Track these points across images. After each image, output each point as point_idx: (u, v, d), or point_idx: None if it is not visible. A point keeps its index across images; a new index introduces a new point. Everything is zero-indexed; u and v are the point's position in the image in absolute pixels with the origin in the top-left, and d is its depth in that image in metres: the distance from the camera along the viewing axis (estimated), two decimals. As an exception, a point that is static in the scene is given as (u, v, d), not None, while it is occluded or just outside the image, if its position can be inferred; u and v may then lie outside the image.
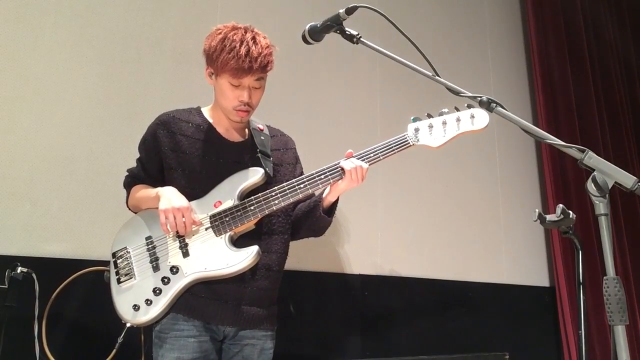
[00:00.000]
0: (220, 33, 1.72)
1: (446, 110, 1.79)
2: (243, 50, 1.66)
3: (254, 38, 1.70)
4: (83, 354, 2.15)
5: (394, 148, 1.78)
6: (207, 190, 1.75)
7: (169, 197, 1.69)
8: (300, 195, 1.74)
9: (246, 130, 1.89)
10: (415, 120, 1.80)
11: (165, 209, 1.66)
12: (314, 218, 1.85)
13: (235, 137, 1.85)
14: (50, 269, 2.10)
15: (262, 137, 1.88)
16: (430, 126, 1.78)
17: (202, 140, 1.79)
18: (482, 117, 1.74)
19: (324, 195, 1.83)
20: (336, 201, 1.85)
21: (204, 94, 1.86)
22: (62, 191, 2.24)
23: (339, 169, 1.76)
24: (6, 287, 1.94)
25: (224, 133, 1.83)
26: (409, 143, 1.78)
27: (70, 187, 2.26)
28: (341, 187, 1.79)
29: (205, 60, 1.77)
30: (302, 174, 1.94)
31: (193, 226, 1.70)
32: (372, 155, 1.77)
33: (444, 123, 1.77)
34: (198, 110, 1.87)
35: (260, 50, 1.68)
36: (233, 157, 1.80)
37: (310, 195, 1.83)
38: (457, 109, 1.77)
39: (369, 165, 1.78)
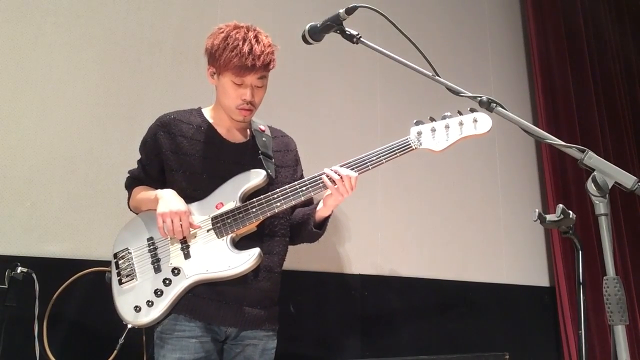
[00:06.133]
0: (222, 32, 1.72)
1: (449, 114, 1.78)
2: (246, 48, 1.66)
3: (256, 37, 1.70)
4: (84, 355, 2.15)
5: (397, 151, 1.77)
6: (209, 192, 1.75)
7: (168, 200, 1.68)
8: (302, 198, 1.73)
9: (248, 131, 1.88)
10: (417, 123, 1.79)
11: (162, 213, 1.66)
12: (306, 231, 1.85)
13: (236, 137, 1.84)
14: (50, 269, 2.10)
15: (264, 139, 1.87)
16: (433, 130, 1.77)
17: (202, 142, 1.79)
18: (485, 122, 1.74)
19: (317, 209, 1.83)
20: (329, 216, 1.85)
21: (204, 94, 1.86)
22: (62, 191, 2.24)
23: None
24: (6, 287, 1.94)
25: (225, 134, 1.83)
26: (411, 147, 1.77)
27: (70, 187, 2.26)
28: (330, 203, 1.79)
29: (207, 60, 1.77)
30: (302, 176, 1.94)
31: (191, 229, 1.70)
32: (374, 158, 1.76)
33: (447, 127, 1.76)
34: (199, 111, 1.87)
35: (262, 49, 1.68)
36: (234, 158, 1.80)
37: (311, 198, 1.83)
38: (460, 113, 1.76)
39: (372, 167, 1.76)
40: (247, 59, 1.65)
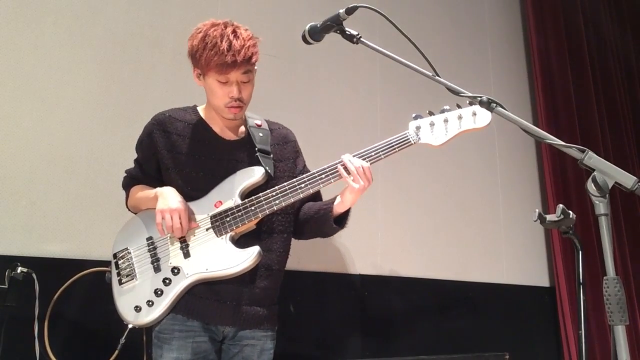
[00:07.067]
0: (200, 32, 1.70)
1: (448, 107, 1.75)
2: (224, 45, 1.63)
3: (234, 31, 1.67)
4: (84, 355, 2.15)
5: (395, 147, 1.75)
6: (205, 190, 1.74)
7: (167, 197, 1.68)
8: (301, 195, 1.72)
9: (242, 128, 1.86)
10: (416, 117, 1.77)
11: (162, 209, 1.65)
12: (324, 227, 1.82)
13: (231, 135, 1.83)
14: (50, 269, 2.10)
15: (261, 134, 1.85)
16: (432, 124, 1.75)
17: (197, 140, 1.78)
18: (484, 115, 1.70)
19: (335, 204, 1.79)
20: (347, 211, 1.82)
21: (204, 94, 1.86)
22: (62, 191, 2.24)
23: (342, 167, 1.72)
24: (6, 287, 1.94)
25: (220, 132, 1.82)
26: (410, 142, 1.75)
27: (70, 187, 2.26)
28: (347, 197, 1.75)
29: (191, 62, 1.75)
30: (304, 167, 1.92)
31: (190, 228, 1.69)
32: (372, 154, 1.74)
33: (446, 121, 1.74)
34: (194, 109, 1.86)
35: (242, 43, 1.66)
36: (230, 155, 1.78)
37: (311, 195, 1.82)
38: (459, 106, 1.74)
39: (371, 163, 1.74)
40: (227, 55, 1.63)
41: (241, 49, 1.65)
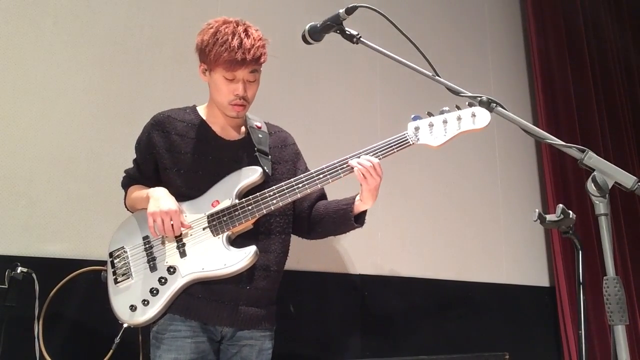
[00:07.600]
0: (211, 27, 1.71)
1: (447, 108, 1.75)
2: (235, 42, 1.65)
3: (246, 30, 1.69)
4: (81, 354, 2.15)
5: (394, 147, 1.75)
6: (204, 190, 1.74)
7: (157, 199, 1.67)
8: (299, 195, 1.71)
9: (243, 128, 1.87)
10: (415, 118, 1.77)
11: (153, 212, 1.65)
12: (344, 226, 1.84)
13: (231, 135, 1.83)
14: (50, 269, 2.10)
15: (260, 135, 1.86)
16: (431, 125, 1.75)
17: (197, 140, 1.78)
18: (483, 116, 1.70)
19: (355, 203, 1.80)
20: (365, 210, 1.83)
21: (204, 94, 1.86)
22: (62, 191, 2.24)
23: (338, 169, 1.73)
24: (6, 287, 1.94)
25: (220, 132, 1.82)
26: (408, 142, 1.75)
27: (70, 187, 2.26)
28: (365, 196, 1.75)
29: (198, 57, 1.76)
30: (306, 168, 1.92)
31: (184, 229, 1.69)
32: (370, 154, 1.74)
33: (445, 122, 1.74)
34: (193, 109, 1.86)
35: (253, 42, 1.67)
36: (229, 155, 1.78)
37: (315, 194, 1.82)
38: (459, 107, 1.74)
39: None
40: (237, 53, 1.64)
41: (251, 47, 1.66)
